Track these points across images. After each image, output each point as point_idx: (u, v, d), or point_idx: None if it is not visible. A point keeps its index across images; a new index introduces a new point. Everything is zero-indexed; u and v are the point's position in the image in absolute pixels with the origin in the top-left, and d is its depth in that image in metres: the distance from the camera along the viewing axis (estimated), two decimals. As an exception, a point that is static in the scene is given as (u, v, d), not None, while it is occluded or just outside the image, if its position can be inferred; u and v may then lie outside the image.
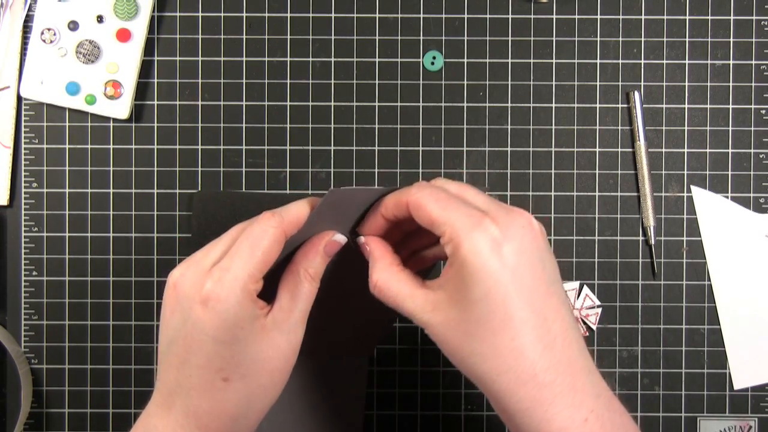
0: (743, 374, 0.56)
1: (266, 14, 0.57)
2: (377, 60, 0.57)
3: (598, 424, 0.37)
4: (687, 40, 0.57)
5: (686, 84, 0.57)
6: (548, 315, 0.37)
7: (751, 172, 0.57)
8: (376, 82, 0.57)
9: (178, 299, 0.39)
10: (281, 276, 0.42)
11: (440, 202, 0.38)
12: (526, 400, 0.36)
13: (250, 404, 0.39)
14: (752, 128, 0.57)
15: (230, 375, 0.38)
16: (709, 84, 0.57)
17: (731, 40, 0.57)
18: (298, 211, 0.40)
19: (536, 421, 0.36)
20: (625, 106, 0.57)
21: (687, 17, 0.57)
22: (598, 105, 0.57)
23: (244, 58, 0.57)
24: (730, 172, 0.57)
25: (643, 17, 0.57)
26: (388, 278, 0.40)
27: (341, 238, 0.43)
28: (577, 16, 0.57)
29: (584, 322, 0.56)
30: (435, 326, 0.38)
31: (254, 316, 0.39)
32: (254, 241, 0.39)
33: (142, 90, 0.57)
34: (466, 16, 0.57)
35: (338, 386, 0.53)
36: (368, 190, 0.42)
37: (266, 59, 0.57)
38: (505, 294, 0.36)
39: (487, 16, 0.57)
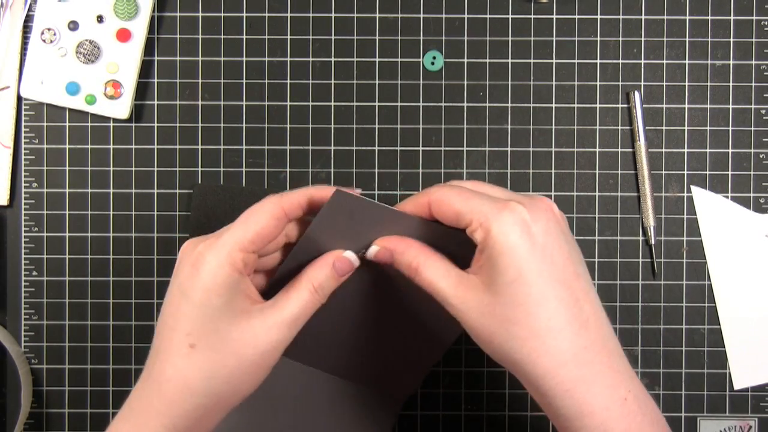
0: (743, 374, 0.56)
1: (266, 14, 0.57)
2: (377, 60, 0.57)
3: (636, 405, 0.36)
4: (687, 40, 0.57)
5: (686, 84, 0.57)
6: (579, 295, 0.37)
7: (751, 172, 0.57)
8: (376, 82, 0.57)
9: (178, 264, 0.40)
10: (287, 285, 0.41)
11: (463, 194, 0.38)
12: (568, 380, 0.36)
13: (211, 384, 0.38)
14: (752, 128, 0.57)
15: (197, 342, 0.38)
16: (709, 84, 0.57)
17: (731, 40, 0.57)
18: (300, 193, 0.40)
19: (578, 402, 0.36)
20: (625, 106, 0.57)
21: (687, 17, 0.57)
22: (598, 105, 0.57)
23: (244, 58, 0.57)
24: (730, 172, 0.57)
25: (643, 17, 0.57)
26: (424, 260, 0.39)
27: (352, 257, 0.42)
28: (577, 16, 0.57)
29: (584, 322, 0.56)
30: (469, 314, 0.37)
31: (236, 289, 0.38)
32: (249, 214, 0.39)
33: (142, 90, 0.57)
34: (466, 16, 0.57)
35: (362, 416, 0.51)
36: (379, 207, 0.41)
37: (266, 59, 0.57)
38: (539, 273, 0.36)
39: (487, 16, 0.57)
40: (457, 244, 0.40)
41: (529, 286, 0.36)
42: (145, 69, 0.57)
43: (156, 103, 0.57)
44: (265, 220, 0.39)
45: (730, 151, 0.57)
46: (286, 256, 0.43)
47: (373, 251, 0.41)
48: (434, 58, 0.57)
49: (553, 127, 0.57)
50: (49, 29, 0.55)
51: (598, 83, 0.57)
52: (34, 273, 0.57)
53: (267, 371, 0.40)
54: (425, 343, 0.44)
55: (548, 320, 0.36)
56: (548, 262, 0.36)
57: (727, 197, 0.57)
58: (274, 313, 0.39)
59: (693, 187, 0.57)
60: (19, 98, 0.56)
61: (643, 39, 0.57)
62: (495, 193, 0.40)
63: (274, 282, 0.42)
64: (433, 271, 0.39)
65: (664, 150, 0.57)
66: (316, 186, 0.41)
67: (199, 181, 0.57)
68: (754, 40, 0.57)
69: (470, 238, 0.38)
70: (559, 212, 0.39)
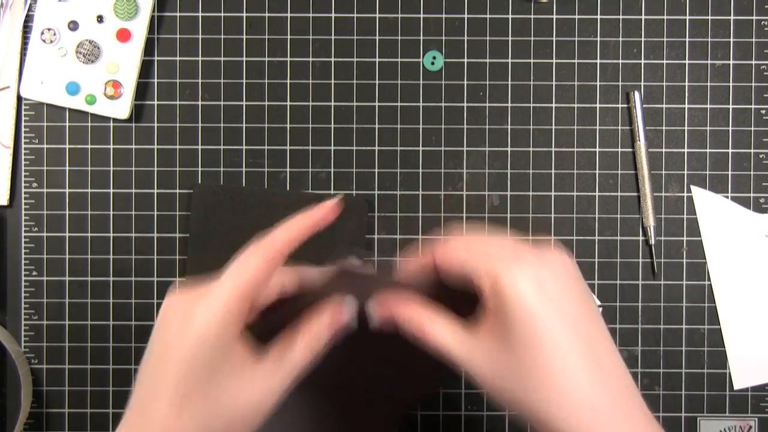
0: (743, 374, 0.56)
1: (266, 14, 0.57)
2: (377, 60, 0.57)
3: None
4: (687, 40, 0.57)
5: (686, 84, 0.57)
6: (597, 346, 0.36)
7: (751, 172, 0.57)
8: (376, 82, 0.57)
9: (163, 318, 0.38)
10: (280, 341, 0.40)
11: (470, 245, 0.38)
12: (588, 430, 0.35)
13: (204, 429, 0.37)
14: (752, 128, 0.57)
15: (190, 396, 0.36)
16: (709, 84, 0.57)
17: (731, 40, 0.57)
18: (288, 230, 0.39)
19: None
20: (625, 106, 0.57)
21: (687, 17, 0.57)
22: (598, 105, 0.57)
23: (244, 58, 0.57)
24: (730, 172, 0.57)
25: (643, 17, 0.57)
26: (428, 319, 0.38)
27: (348, 314, 0.40)
28: (577, 16, 0.57)
29: (584, 322, 0.56)
30: (481, 372, 0.36)
31: (231, 342, 0.37)
32: (240, 262, 0.38)
33: (142, 90, 0.57)
34: (466, 16, 0.57)
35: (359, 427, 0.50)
36: (377, 277, 0.40)
37: (266, 59, 0.57)
38: (554, 327, 0.35)
39: (487, 16, 0.57)
40: (457, 295, 0.39)
41: (544, 341, 0.35)
42: (145, 69, 0.57)
43: (156, 103, 0.57)
44: (255, 267, 0.38)
45: (730, 151, 0.57)
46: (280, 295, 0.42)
47: (372, 310, 0.40)
48: (434, 58, 0.57)
49: (553, 127, 0.57)
50: (49, 29, 0.55)
51: (598, 83, 0.57)
52: (34, 273, 0.57)
53: (259, 425, 0.38)
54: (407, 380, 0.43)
55: (566, 374, 0.35)
56: (563, 314, 0.36)
57: (727, 197, 0.57)
58: (271, 368, 0.38)
59: (693, 187, 0.57)
60: (19, 98, 0.56)
61: (643, 39, 0.57)
62: (504, 242, 0.38)
63: (268, 316, 0.41)
64: (439, 329, 0.38)
65: (664, 150, 0.57)
66: (302, 216, 0.39)
67: (199, 181, 0.57)
68: (754, 40, 0.57)
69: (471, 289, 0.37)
70: (571, 260, 0.38)
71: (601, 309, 0.57)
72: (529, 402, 0.36)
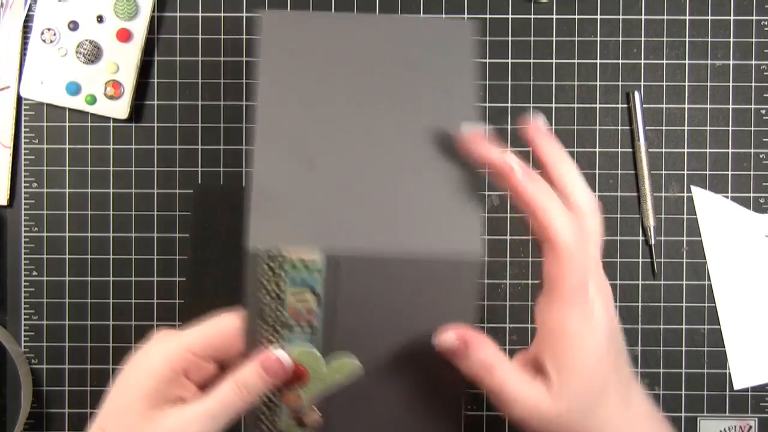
0: (743, 374, 0.56)
1: (266, 14, 0.57)
2: (377, 60, 0.57)
3: None
4: (687, 40, 0.57)
5: (686, 84, 0.57)
6: (626, 377, 0.39)
7: (751, 172, 0.57)
8: (376, 82, 0.57)
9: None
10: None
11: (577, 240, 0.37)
12: None
13: None
14: (752, 128, 0.57)
15: (105, 428, 0.38)
16: (709, 84, 0.57)
17: (731, 40, 0.57)
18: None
19: None
20: (625, 106, 0.57)
21: (687, 17, 0.57)
22: (598, 105, 0.57)
23: (244, 58, 0.57)
24: (730, 172, 0.57)
25: (643, 17, 0.57)
26: (500, 362, 0.37)
27: (284, 357, 0.38)
28: (577, 16, 0.57)
29: (584, 322, 0.56)
30: (538, 421, 0.37)
31: (164, 386, 0.38)
32: (212, 319, 0.39)
33: (142, 90, 0.57)
34: (466, 16, 0.57)
35: None
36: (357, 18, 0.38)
37: (266, 59, 0.57)
38: (614, 365, 0.37)
39: (487, 16, 0.57)
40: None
41: (602, 383, 0.37)
42: (145, 69, 0.57)
43: (156, 103, 0.57)
44: (221, 329, 0.38)
45: (730, 151, 0.57)
46: None
47: (446, 338, 0.38)
48: (434, 58, 0.57)
49: (553, 127, 0.57)
50: (49, 29, 0.55)
51: (598, 83, 0.57)
52: (34, 273, 0.57)
53: None
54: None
55: (625, 414, 0.37)
56: (609, 360, 0.37)
57: (727, 197, 0.57)
58: (193, 406, 0.37)
59: (693, 187, 0.57)
60: (19, 98, 0.56)
61: (643, 39, 0.57)
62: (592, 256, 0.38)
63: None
64: (508, 375, 0.37)
65: (664, 150, 0.57)
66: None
67: (199, 181, 0.57)
68: (754, 40, 0.57)
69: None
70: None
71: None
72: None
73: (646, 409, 0.39)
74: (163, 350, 0.38)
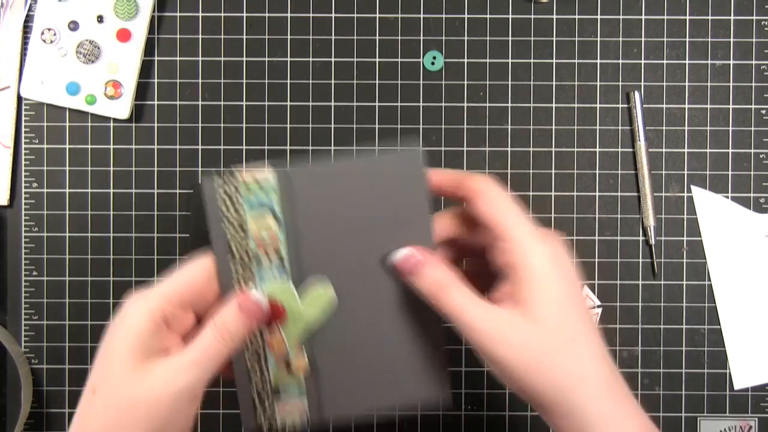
0: (743, 374, 0.56)
1: (266, 14, 0.57)
2: (377, 60, 0.57)
3: (648, 424, 0.38)
4: (687, 40, 0.57)
5: (686, 84, 0.57)
6: (595, 327, 0.38)
7: (751, 172, 0.57)
8: (376, 82, 0.57)
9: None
10: None
11: (515, 208, 0.38)
12: (607, 410, 0.36)
13: (107, 429, 0.37)
14: (752, 128, 0.57)
15: (96, 389, 0.38)
16: (709, 84, 0.57)
17: (731, 40, 0.57)
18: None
19: (619, 426, 0.36)
20: (625, 106, 0.57)
21: (687, 17, 0.57)
22: (598, 105, 0.57)
23: (244, 58, 0.57)
24: (730, 172, 0.57)
25: (643, 17, 0.57)
26: (451, 282, 0.38)
27: (258, 296, 0.39)
28: (577, 16, 0.57)
29: (584, 322, 0.56)
30: (501, 347, 0.37)
31: (148, 339, 0.37)
32: (182, 268, 0.39)
33: (142, 90, 0.57)
34: (466, 16, 0.57)
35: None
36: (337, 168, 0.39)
37: (266, 59, 0.57)
38: (574, 305, 0.37)
39: (487, 16, 0.57)
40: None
41: (569, 316, 0.37)
42: (145, 69, 0.57)
43: (156, 103, 0.57)
44: (194, 275, 0.38)
45: (730, 151, 0.57)
46: None
47: (400, 255, 0.39)
48: (434, 58, 0.57)
49: (553, 127, 0.57)
50: (49, 29, 0.55)
51: (598, 83, 0.57)
52: (34, 273, 0.57)
53: (186, 414, 0.38)
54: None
55: (588, 348, 0.37)
56: (577, 294, 0.38)
57: (727, 197, 0.57)
58: (178, 357, 0.38)
59: (693, 187, 0.57)
60: (19, 98, 0.56)
61: (643, 39, 0.57)
62: (526, 218, 0.40)
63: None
64: (460, 295, 0.38)
65: (664, 150, 0.57)
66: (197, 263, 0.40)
67: (199, 181, 0.57)
68: (754, 40, 0.57)
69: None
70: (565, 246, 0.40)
71: (601, 309, 0.57)
72: (551, 377, 0.36)
73: (605, 354, 0.38)
74: (142, 304, 0.38)
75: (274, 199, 0.39)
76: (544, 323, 0.36)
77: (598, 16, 0.57)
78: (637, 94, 0.56)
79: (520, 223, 0.38)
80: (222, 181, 0.39)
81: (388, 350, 0.42)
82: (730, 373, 0.57)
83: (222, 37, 0.57)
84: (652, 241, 0.56)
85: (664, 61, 0.57)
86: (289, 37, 0.57)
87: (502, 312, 0.37)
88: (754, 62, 0.57)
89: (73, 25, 0.55)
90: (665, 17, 0.57)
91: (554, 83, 0.57)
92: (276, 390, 0.42)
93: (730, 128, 0.57)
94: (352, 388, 0.42)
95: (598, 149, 0.57)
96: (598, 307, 0.57)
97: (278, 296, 0.40)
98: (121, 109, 0.56)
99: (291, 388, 0.42)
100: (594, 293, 0.57)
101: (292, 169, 0.39)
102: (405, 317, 0.41)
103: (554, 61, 0.57)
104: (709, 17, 0.57)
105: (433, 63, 0.57)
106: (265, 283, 0.40)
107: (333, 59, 0.57)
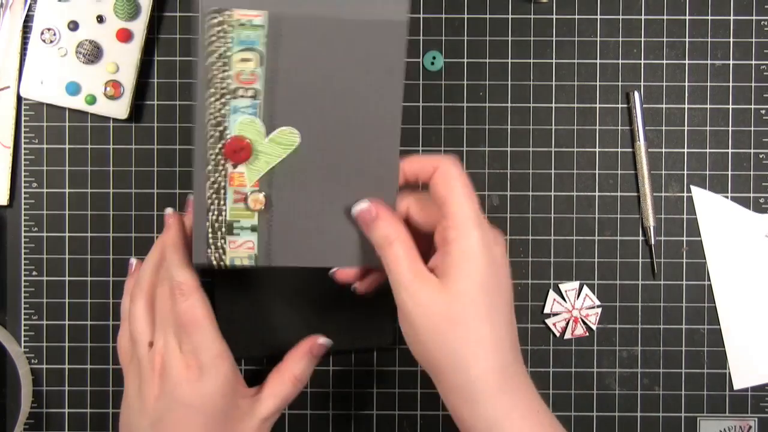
0: (743, 374, 0.56)
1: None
2: (377, 60, 0.57)
3: (546, 418, 0.40)
4: (687, 40, 0.57)
5: (686, 84, 0.57)
6: (513, 319, 0.41)
7: (751, 172, 0.57)
8: (376, 82, 0.57)
9: (162, 381, 0.44)
10: (271, 375, 0.48)
11: (469, 193, 0.41)
12: (496, 389, 0.39)
13: None
14: (752, 128, 0.57)
15: None
16: (709, 84, 0.57)
17: (731, 40, 0.57)
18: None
19: (502, 409, 0.39)
20: (625, 106, 0.57)
21: (687, 17, 0.57)
22: (598, 105, 0.57)
23: (244, 58, 0.57)
24: (730, 172, 0.57)
25: (643, 17, 0.57)
26: (400, 237, 0.41)
27: (327, 342, 0.49)
28: (577, 16, 0.57)
29: (584, 322, 0.56)
30: (418, 307, 0.39)
31: (235, 386, 0.45)
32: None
33: (141, 90, 0.57)
34: (466, 16, 0.57)
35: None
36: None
37: (266, 59, 0.57)
38: (494, 289, 0.40)
39: (487, 16, 0.57)
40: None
41: (486, 297, 0.39)
42: (145, 69, 0.57)
43: (156, 103, 0.57)
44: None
45: (730, 151, 0.57)
46: None
47: (360, 206, 0.43)
48: (434, 58, 0.57)
49: (553, 127, 0.57)
50: (49, 29, 0.55)
51: (598, 83, 0.57)
52: (34, 273, 0.57)
53: None
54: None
55: (493, 330, 0.39)
56: (502, 283, 0.41)
57: (727, 197, 0.57)
58: (262, 408, 0.46)
59: (693, 187, 0.57)
60: (19, 98, 0.56)
61: (643, 39, 0.57)
62: (476, 205, 0.42)
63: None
64: (402, 252, 0.40)
65: (664, 150, 0.57)
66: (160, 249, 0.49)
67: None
68: (754, 40, 0.57)
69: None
70: (504, 246, 0.43)
71: (600, 309, 0.57)
72: (450, 346, 0.39)
73: (520, 356, 0.41)
74: (216, 353, 0.44)
75: (260, 37, 0.40)
76: (458, 296, 0.39)
77: (598, 16, 0.57)
78: (636, 94, 0.56)
79: (465, 205, 0.40)
80: (216, 14, 0.40)
81: (339, 213, 0.44)
82: (729, 373, 0.57)
83: (222, 37, 0.57)
84: (652, 241, 0.56)
85: (664, 61, 0.57)
86: (289, 37, 0.57)
87: (430, 278, 0.40)
88: (753, 62, 0.57)
89: (73, 25, 0.55)
90: (665, 17, 0.57)
91: (554, 83, 0.57)
92: (230, 226, 0.43)
93: (730, 128, 0.57)
94: (301, 240, 0.44)
95: (597, 149, 0.57)
96: (598, 306, 0.57)
97: (246, 131, 0.42)
98: (120, 109, 0.56)
99: (244, 225, 0.43)
100: (594, 293, 0.57)
101: (284, 14, 0.40)
102: (358, 171, 0.44)
103: (554, 61, 0.57)
104: (709, 17, 0.57)
105: (433, 63, 0.57)
106: (237, 116, 0.41)
107: (333, 59, 0.57)
